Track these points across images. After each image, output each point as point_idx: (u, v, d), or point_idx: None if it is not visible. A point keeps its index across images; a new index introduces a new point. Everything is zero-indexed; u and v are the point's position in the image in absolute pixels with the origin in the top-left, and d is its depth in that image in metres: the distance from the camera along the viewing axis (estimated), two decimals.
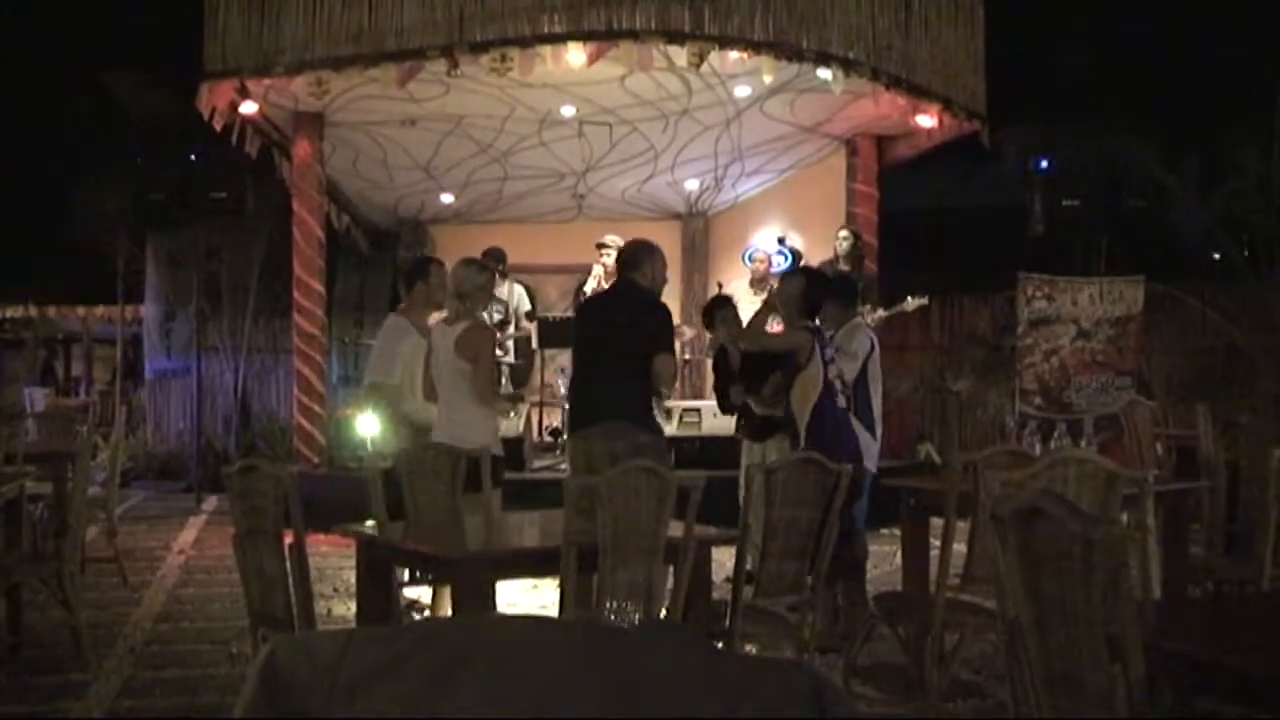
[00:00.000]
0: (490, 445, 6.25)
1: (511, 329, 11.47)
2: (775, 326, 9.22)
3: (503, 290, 11.41)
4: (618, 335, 6.24)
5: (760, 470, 5.04)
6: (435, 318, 7.15)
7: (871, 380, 7.32)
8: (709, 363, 12.83)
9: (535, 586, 7.76)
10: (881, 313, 10.16)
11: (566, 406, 6.55)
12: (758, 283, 11.32)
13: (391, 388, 6.97)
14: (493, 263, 11.37)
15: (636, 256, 6.46)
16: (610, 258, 10.90)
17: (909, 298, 10.26)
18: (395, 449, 6.53)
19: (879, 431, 7.40)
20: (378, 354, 7.24)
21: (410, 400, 6.89)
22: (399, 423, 6.98)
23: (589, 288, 11.09)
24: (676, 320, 7.14)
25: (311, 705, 1.51)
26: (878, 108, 11.40)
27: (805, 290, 6.83)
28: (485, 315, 11.08)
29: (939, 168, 16.39)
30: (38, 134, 19.92)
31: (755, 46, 9.88)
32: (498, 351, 11.44)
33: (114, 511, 8.80)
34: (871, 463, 7.13)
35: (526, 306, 11.85)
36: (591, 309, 6.94)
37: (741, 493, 7.84)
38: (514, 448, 10.22)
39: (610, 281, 10.55)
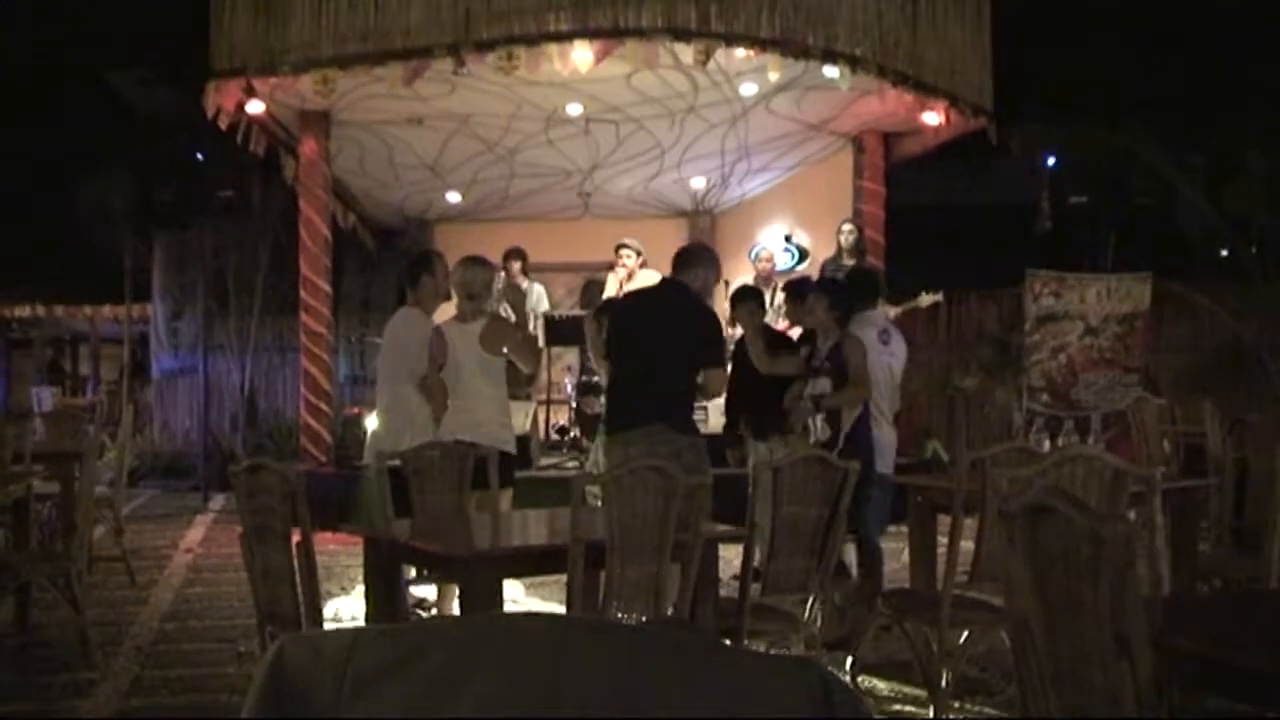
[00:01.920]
0: (505, 442, 6.31)
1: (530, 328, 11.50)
2: (780, 323, 9.23)
3: (523, 288, 11.43)
4: (666, 337, 6.10)
5: (767, 468, 5.04)
6: (443, 311, 7.17)
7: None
8: None
9: (542, 584, 7.76)
10: (894, 310, 10.15)
11: (604, 404, 6.41)
12: (763, 281, 11.31)
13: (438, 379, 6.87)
14: (516, 260, 11.41)
15: (694, 260, 6.33)
16: (631, 259, 10.98)
17: (922, 293, 10.24)
18: (409, 441, 6.50)
19: (879, 429, 7.35)
20: (422, 343, 7.03)
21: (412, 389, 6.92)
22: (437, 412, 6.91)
23: (610, 291, 11.06)
24: None
25: (319, 704, 1.51)
26: (884, 105, 11.39)
27: (831, 303, 6.89)
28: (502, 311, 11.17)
29: (946, 165, 16.38)
30: (44, 134, 19.96)
31: (762, 44, 9.87)
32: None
33: (121, 510, 8.82)
34: (882, 465, 7.08)
35: (544, 306, 11.87)
36: (636, 307, 6.64)
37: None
38: (521, 446, 10.24)
39: (629, 284, 10.58)
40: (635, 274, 10.87)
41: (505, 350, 6.65)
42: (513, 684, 1.49)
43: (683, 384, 6.15)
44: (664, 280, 6.51)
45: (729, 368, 7.17)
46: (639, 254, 10.97)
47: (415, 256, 8.54)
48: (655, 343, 6.12)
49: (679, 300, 6.22)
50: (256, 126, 11.38)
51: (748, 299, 7.94)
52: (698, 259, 6.37)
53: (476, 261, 6.95)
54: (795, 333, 8.23)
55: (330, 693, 1.51)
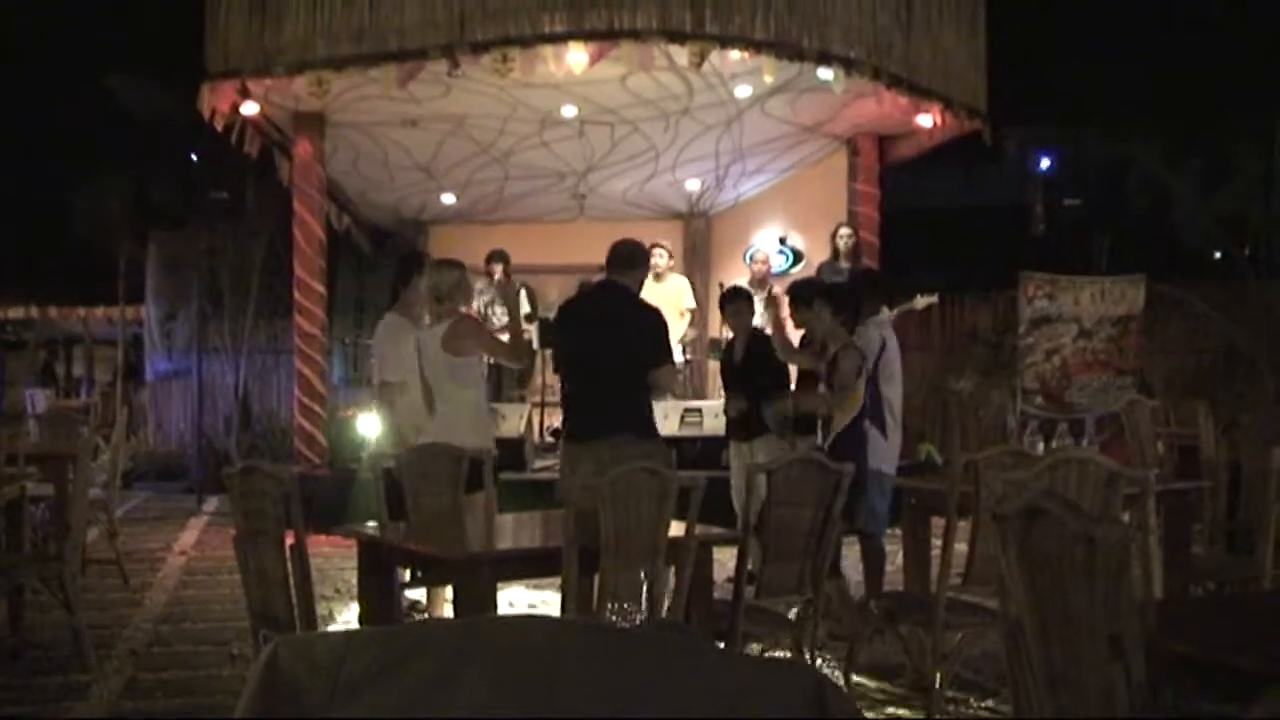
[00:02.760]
0: (484, 445, 6.29)
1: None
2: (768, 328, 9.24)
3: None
4: (619, 343, 6.07)
5: (761, 470, 5.04)
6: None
7: (884, 380, 7.25)
8: (712, 363, 12.87)
9: (537, 587, 7.76)
10: (890, 311, 10.16)
11: (562, 415, 6.36)
12: (758, 283, 11.32)
13: (399, 385, 6.94)
14: (498, 263, 11.44)
15: (634, 260, 6.27)
16: (663, 260, 11.16)
17: (918, 296, 10.23)
18: (396, 449, 6.52)
19: (890, 432, 7.36)
20: (381, 354, 7.20)
21: (411, 396, 6.88)
22: (403, 420, 6.95)
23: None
24: (684, 324, 7.10)
25: (313, 706, 1.51)
26: (879, 107, 11.39)
27: (835, 309, 6.93)
28: (494, 319, 11.30)
29: (941, 167, 16.39)
30: (39, 135, 19.94)
31: (756, 46, 9.87)
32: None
33: (115, 513, 8.82)
34: (886, 464, 7.09)
35: (526, 309, 11.89)
36: (581, 315, 6.49)
37: (733, 493, 7.85)
38: (515, 448, 10.24)
39: (657, 285, 10.70)
40: (665, 275, 11.29)
41: (480, 351, 6.64)
42: (506, 687, 1.49)
43: (640, 389, 6.10)
44: (605, 283, 6.37)
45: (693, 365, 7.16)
46: (670, 255, 11.13)
47: (407, 255, 8.56)
48: (607, 349, 6.07)
49: (625, 304, 6.20)
50: (251, 128, 11.36)
51: (734, 299, 7.97)
52: (636, 259, 6.30)
53: (444, 263, 6.93)
54: (795, 335, 8.23)
55: (323, 695, 1.51)
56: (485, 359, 7.47)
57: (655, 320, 6.25)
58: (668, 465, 5.87)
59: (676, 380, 6.45)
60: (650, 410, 6.20)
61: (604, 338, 6.13)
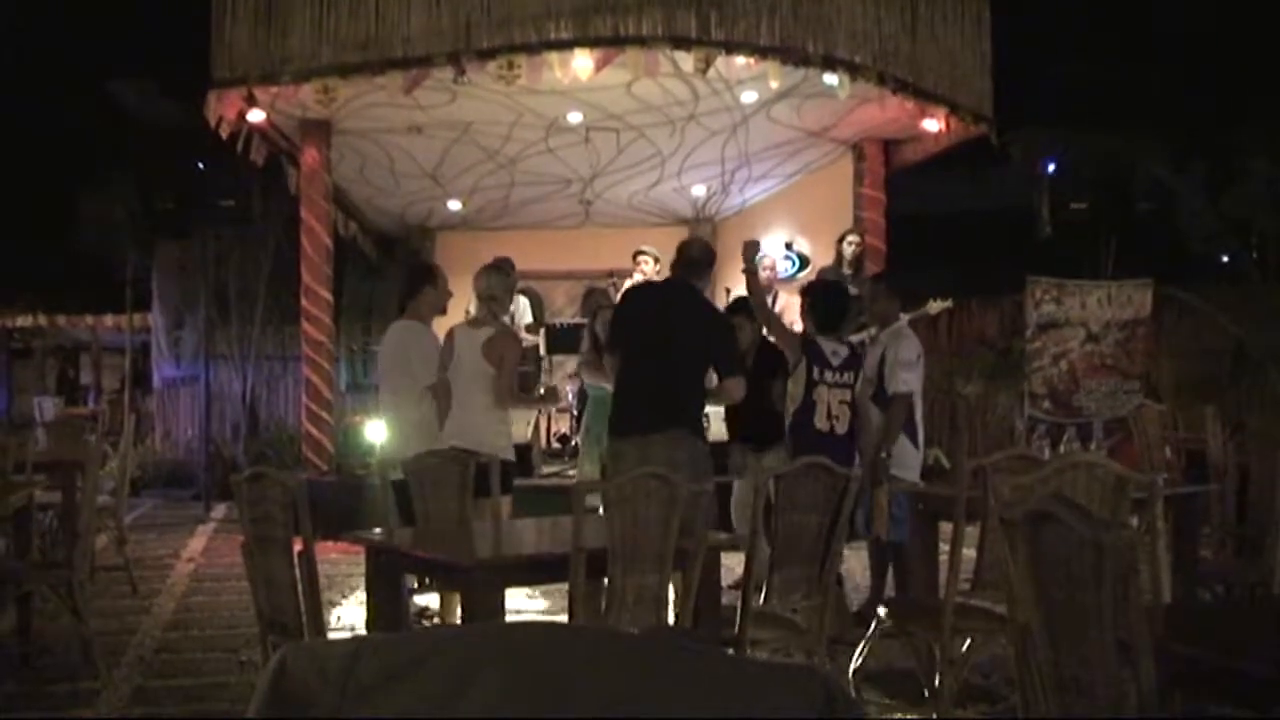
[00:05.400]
0: (503, 450, 6.32)
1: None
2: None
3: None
4: (682, 339, 6.05)
5: (769, 476, 5.04)
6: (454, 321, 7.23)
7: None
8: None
9: (545, 593, 7.76)
10: (904, 317, 10.13)
11: (613, 401, 6.28)
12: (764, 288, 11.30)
13: (410, 391, 6.90)
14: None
15: (702, 264, 6.33)
16: (649, 265, 11.01)
17: (931, 301, 10.19)
18: (415, 452, 6.46)
19: (920, 440, 7.40)
20: (424, 355, 6.98)
21: (424, 404, 6.85)
22: (414, 428, 6.86)
23: None
24: None
25: (322, 712, 1.52)
26: (884, 112, 11.39)
27: (804, 309, 7.19)
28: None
29: (946, 171, 16.38)
30: (45, 143, 19.99)
31: (761, 52, 9.87)
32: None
33: (123, 520, 8.83)
34: (909, 472, 7.10)
35: (528, 319, 11.88)
36: (649, 303, 6.50)
37: (734, 503, 7.82)
38: (522, 454, 10.24)
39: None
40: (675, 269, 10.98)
41: (506, 369, 6.65)
42: (516, 693, 1.50)
43: (700, 387, 6.15)
44: (675, 280, 6.42)
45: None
46: (656, 260, 10.98)
47: (416, 268, 8.57)
48: (674, 344, 6.06)
49: (694, 302, 6.23)
50: (257, 135, 11.39)
51: (738, 313, 7.95)
52: (706, 262, 6.39)
53: (497, 268, 7.14)
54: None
55: (333, 702, 1.52)
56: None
57: (728, 327, 6.41)
58: (710, 469, 5.92)
59: (743, 391, 6.36)
60: (702, 412, 6.25)
61: (674, 331, 6.10)
